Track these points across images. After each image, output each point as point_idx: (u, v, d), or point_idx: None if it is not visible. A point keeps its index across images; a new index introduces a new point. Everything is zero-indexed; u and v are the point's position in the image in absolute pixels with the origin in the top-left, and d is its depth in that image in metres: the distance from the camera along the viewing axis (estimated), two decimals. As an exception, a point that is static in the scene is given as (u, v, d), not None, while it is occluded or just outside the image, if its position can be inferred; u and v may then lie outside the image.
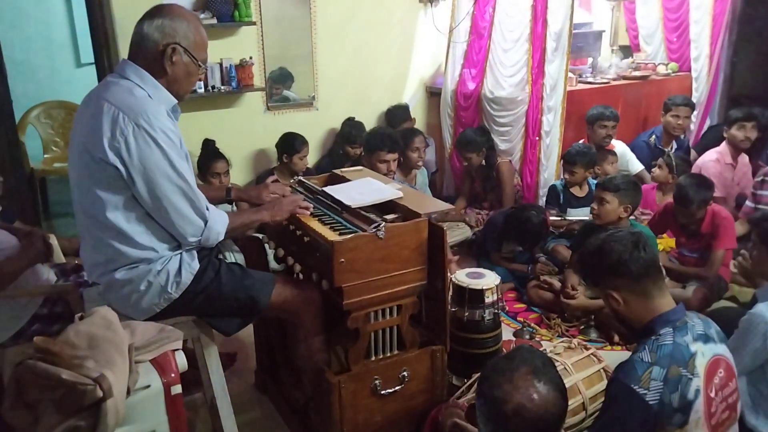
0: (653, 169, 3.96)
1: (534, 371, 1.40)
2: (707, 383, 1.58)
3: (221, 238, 1.97)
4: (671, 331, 1.61)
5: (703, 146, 4.61)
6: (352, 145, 4.23)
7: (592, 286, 2.57)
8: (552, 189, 3.93)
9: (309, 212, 2.17)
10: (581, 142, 4.18)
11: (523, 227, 3.48)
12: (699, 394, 1.56)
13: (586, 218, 3.54)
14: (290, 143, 3.95)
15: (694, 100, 4.84)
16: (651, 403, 1.51)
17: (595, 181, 3.92)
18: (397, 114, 4.59)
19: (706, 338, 1.63)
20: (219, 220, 1.95)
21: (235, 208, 3.54)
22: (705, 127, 5.24)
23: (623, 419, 1.55)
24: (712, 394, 1.60)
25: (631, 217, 3.19)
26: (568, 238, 3.74)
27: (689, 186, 3.12)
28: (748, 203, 3.68)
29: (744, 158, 4.13)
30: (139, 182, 1.79)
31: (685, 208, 3.13)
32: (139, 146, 1.76)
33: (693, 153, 4.62)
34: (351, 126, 4.35)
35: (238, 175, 4.20)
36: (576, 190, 3.86)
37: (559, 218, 3.77)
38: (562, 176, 4.03)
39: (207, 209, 1.92)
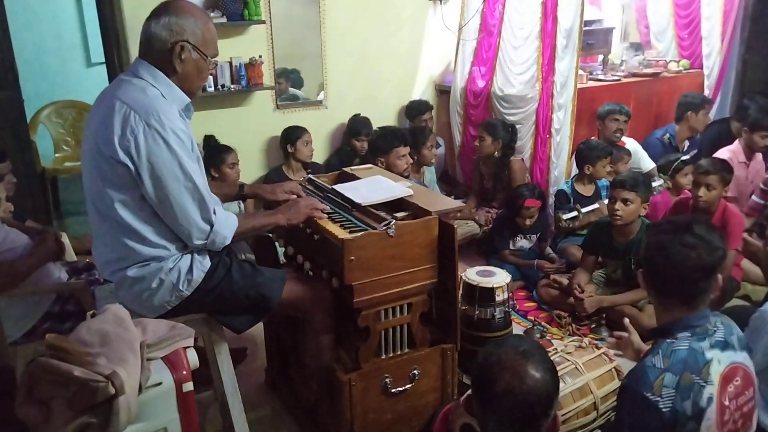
0: (679, 174, 3.85)
1: (523, 353, 1.39)
2: (721, 391, 1.56)
3: (228, 242, 1.94)
4: (689, 335, 1.58)
5: (706, 141, 4.57)
6: (358, 138, 4.24)
7: None
8: (561, 193, 3.87)
9: (326, 216, 2.13)
10: (592, 138, 4.15)
11: (518, 203, 3.57)
12: (712, 402, 1.54)
13: (597, 206, 3.72)
14: (290, 132, 4.08)
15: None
16: (664, 410, 1.50)
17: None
18: (417, 106, 4.60)
19: (724, 345, 1.61)
20: (226, 224, 1.92)
21: (242, 204, 3.57)
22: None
23: (636, 427, 1.53)
24: (726, 402, 1.57)
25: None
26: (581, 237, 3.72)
27: (709, 160, 3.21)
28: (755, 199, 3.63)
29: (758, 156, 4.10)
30: (146, 181, 1.78)
31: (704, 175, 3.10)
32: (148, 145, 1.76)
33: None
34: (356, 121, 4.36)
35: (248, 174, 4.20)
36: (582, 189, 3.84)
37: (574, 214, 3.72)
38: (570, 175, 4.01)
39: (215, 213, 1.89)
